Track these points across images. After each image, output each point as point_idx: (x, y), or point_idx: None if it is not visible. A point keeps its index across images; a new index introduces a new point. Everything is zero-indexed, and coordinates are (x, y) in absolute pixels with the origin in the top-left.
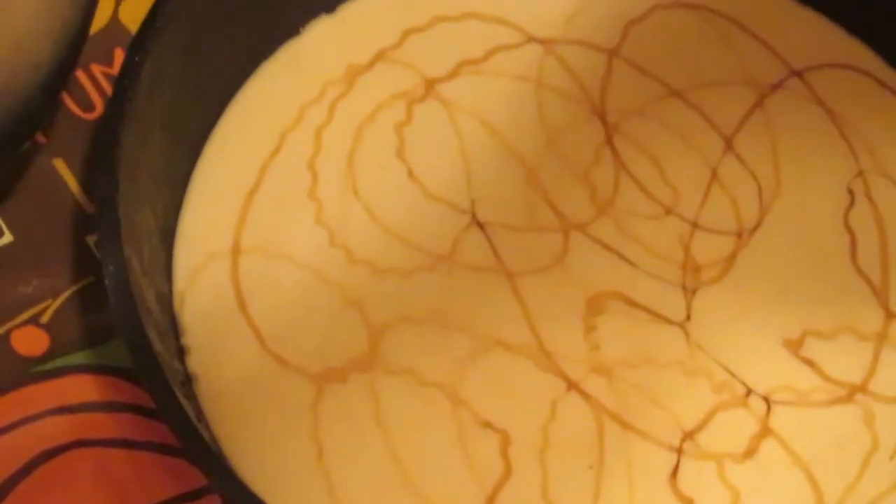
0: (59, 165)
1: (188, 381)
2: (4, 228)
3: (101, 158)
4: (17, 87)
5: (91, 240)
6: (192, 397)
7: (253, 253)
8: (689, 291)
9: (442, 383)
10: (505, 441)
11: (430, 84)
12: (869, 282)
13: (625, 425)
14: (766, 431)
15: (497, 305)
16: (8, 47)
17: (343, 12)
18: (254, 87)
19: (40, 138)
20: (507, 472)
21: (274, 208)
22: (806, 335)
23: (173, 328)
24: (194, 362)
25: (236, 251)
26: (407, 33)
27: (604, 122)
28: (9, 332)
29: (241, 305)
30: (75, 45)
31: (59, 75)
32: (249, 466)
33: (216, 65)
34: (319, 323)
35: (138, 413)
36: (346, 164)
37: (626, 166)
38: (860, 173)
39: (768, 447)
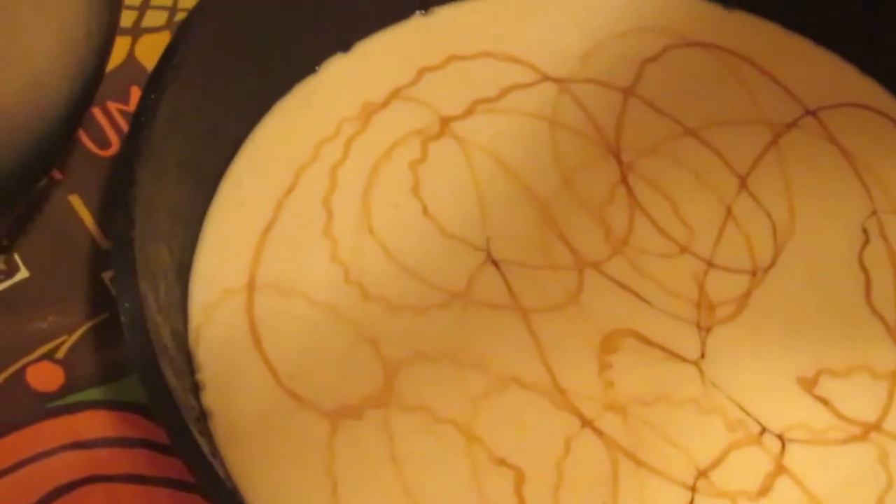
0: (75, 202)
1: (203, 417)
2: (20, 264)
3: (116, 195)
4: (34, 125)
5: (106, 276)
6: (207, 433)
7: (268, 289)
8: (704, 330)
9: (456, 420)
10: (519, 478)
11: (446, 122)
12: (883, 321)
13: (639, 463)
14: (780, 469)
15: (512, 343)
16: (26, 85)
17: (358, 51)
18: (269, 124)
19: (56, 175)
20: None
21: (289, 245)
22: (820, 373)
23: (188, 364)
24: (209, 398)
25: (251, 288)
26: (422, 72)
27: (618, 160)
28: (24, 367)
29: (256, 342)
30: (92, 82)
31: (76, 112)
32: (264, 502)
33: (232, 102)
34: (334, 359)
35: (153, 449)
36: (362, 202)
37: (640, 205)
38: (874, 212)
39: (783, 485)
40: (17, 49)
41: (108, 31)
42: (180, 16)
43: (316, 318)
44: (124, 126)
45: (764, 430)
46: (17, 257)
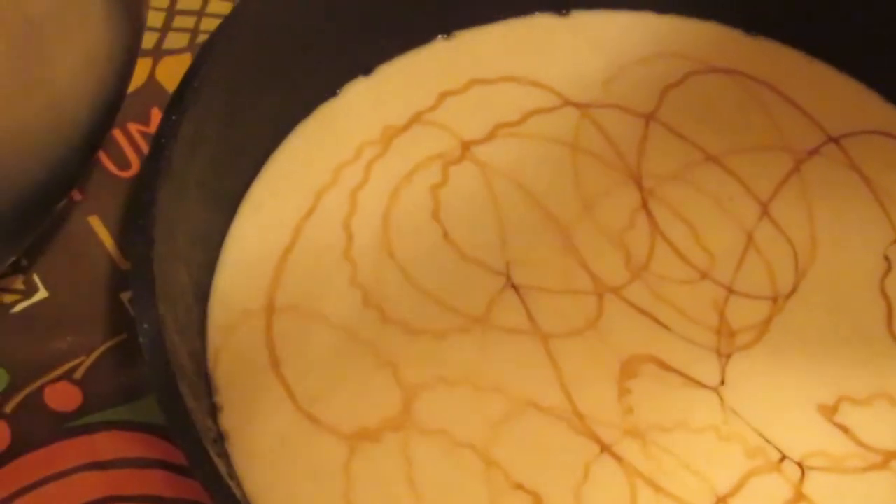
0: (95, 223)
1: (220, 438)
2: (39, 285)
3: (136, 216)
4: (55, 145)
5: (125, 297)
6: (224, 455)
7: (287, 312)
8: (724, 356)
9: (474, 444)
10: (537, 503)
11: (467, 146)
12: None
13: (657, 489)
14: (799, 497)
15: (531, 367)
16: (47, 106)
17: (380, 74)
18: (290, 147)
19: (76, 196)
20: None
21: (308, 268)
22: (841, 401)
23: (206, 386)
24: (227, 420)
25: (270, 310)
26: (443, 96)
27: (639, 186)
28: (42, 387)
29: (275, 364)
30: (113, 104)
31: (97, 134)
32: None
33: (253, 124)
34: (352, 383)
35: (170, 470)
36: (382, 225)
37: (661, 231)
38: None
39: None
40: (41, 70)
41: (130, 54)
42: (202, 38)
43: (335, 340)
44: (144, 147)
45: (783, 457)
46: (36, 277)
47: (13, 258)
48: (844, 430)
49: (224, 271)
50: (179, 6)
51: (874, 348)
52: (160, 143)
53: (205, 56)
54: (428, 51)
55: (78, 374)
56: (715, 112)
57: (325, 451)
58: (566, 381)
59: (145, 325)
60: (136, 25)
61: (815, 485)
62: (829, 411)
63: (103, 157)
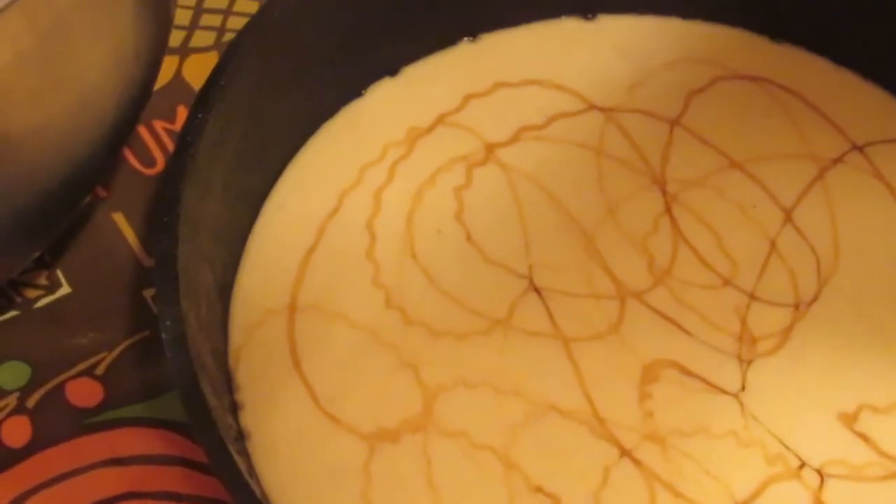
0: (119, 219)
1: (241, 437)
2: (63, 280)
3: (160, 214)
4: (80, 142)
5: (148, 294)
6: (245, 453)
7: (309, 311)
8: (745, 362)
9: (494, 447)
10: None
11: (491, 149)
12: None
13: (677, 494)
14: None
15: (552, 371)
16: (74, 102)
17: (405, 76)
18: (315, 146)
19: (101, 192)
20: None
21: (331, 268)
22: (861, 409)
23: (227, 384)
24: (247, 418)
25: (292, 309)
26: (468, 98)
27: (663, 191)
28: (64, 383)
29: (296, 363)
30: (139, 101)
31: (123, 130)
32: None
33: (278, 124)
34: (373, 383)
35: (190, 467)
36: (405, 226)
37: (684, 236)
38: None
39: None
40: (69, 66)
41: (157, 51)
42: (228, 36)
43: (356, 341)
44: (170, 145)
45: (803, 464)
46: (59, 273)
47: (37, 253)
48: (864, 438)
49: (247, 270)
50: (207, 4)
51: (895, 357)
52: (186, 140)
53: (231, 55)
54: (453, 53)
55: (99, 371)
56: (739, 118)
57: (344, 450)
58: (587, 384)
59: (168, 323)
60: (163, 23)
61: (835, 492)
62: (849, 419)
63: (128, 154)
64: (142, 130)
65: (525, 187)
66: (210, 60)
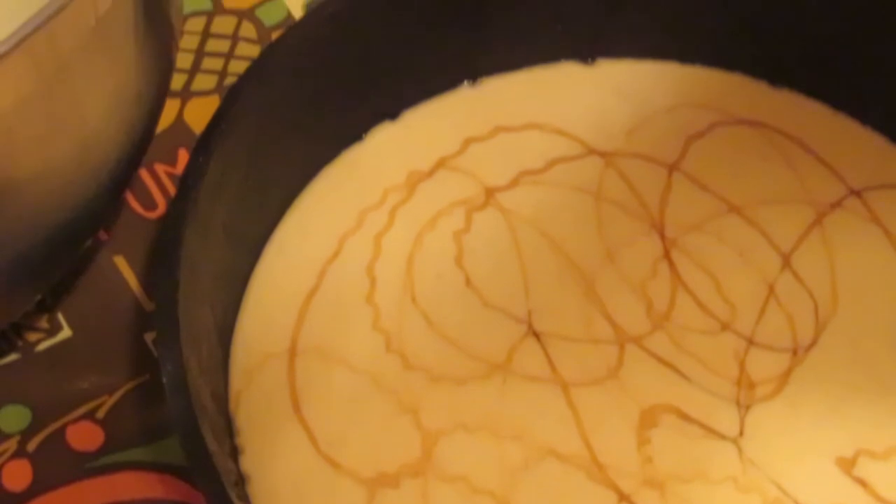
0: (120, 263)
1: (241, 481)
2: (64, 323)
3: (161, 257)
4: (82, 185)
5: (149, 337)
6: (245, 498)
7: (309, 355)
8: (743, 407)
9: (494, 491)
10: None
11: (490, 193)
12: None
13: None
14: None
15: (551, 415)
16: (76, 146)
17: (406, 120)
18: (315, 190)
19: (102, 235)
20: None
21: (331, 312)
22: (859, 454)
23: (228, 427)
24: (248, 462)
25: (293, 353)
26: (468, 142)
27: (662, 236)
28: (64, 426)
29: (296, 407)
30: (141, 144)
31: (124, 174)
32: None
33: (279, 167)
34: (373, 427)
35: None
36: (405, 270)
37: (682, 281)
38: None
39: None
40: (71, 111)
41: (159, 95)
42: (230, 80)
43: (356, 385)
44: (171, 188)
45: None
46: (60, 316)
47: (39, 297)
48: (863, 483)
49: (248, 313)
50: (208, 48)
51: (894, 402)
52: (186, 184)
53: (232, 99)
54: (454, 97)
55: (100, 414)
56: (738, 163)
57: (344, 495)
58: (586, 429)
59: (169, 366)
60: (165, 66)
61: None
62: (847, 464)
63: (130, 198)
64: (143, 174)
65: (524, 231)
66: (211, 104)
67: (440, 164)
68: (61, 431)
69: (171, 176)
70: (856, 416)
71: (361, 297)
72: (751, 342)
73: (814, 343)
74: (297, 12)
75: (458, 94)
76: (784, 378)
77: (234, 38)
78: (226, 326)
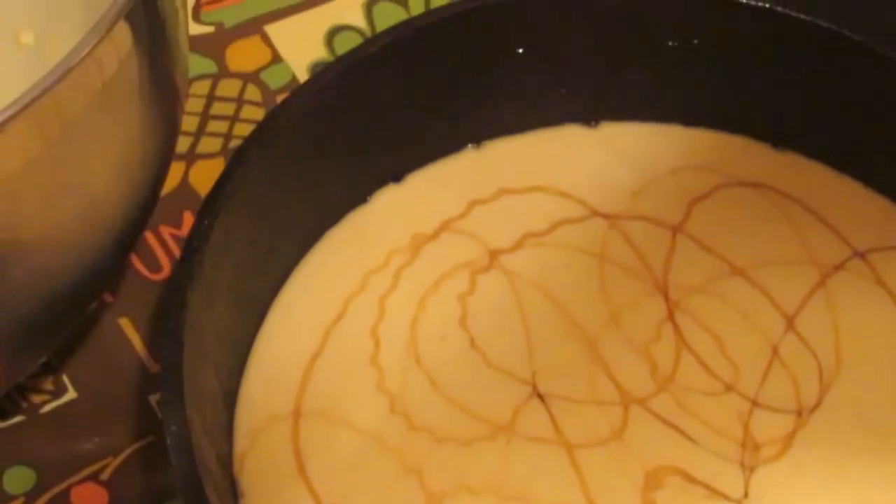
0: (125, 324)
1: None
2: (68, 385)
3: (166, 319)
4: (88, 248)
5: (154, 399)
6: None
7: (313, 417)
8: (748, 469)
9: None
10: None
11: (494, 255)
12: None
13: None
14: None
15: (555, 477)
16: (81, 209)
17: (410, 182)
18: (319, 252)
19: (107, 297)
20: None
21: (336, 374)
22: None
23: (232, 490)
24: None
25: (297, 415)
26: (472, 204)
27: (666, 297)
28: (69, 488)
29: (301, 469)
30: (146, 207)
31: (130, 237)
32: None
33: (283, 230)
34: (377, 489)
35: None
36: (409, 332)
37: (686, 342)
38: None
39: None
40: (77, 175)
41: (164, 159)
42: (235, 143)
43: (361, 446)
44: (176, 250)
45: None
46: (65, 378)
47: (43, 358)
48: None
49: (252, 375)
50: (213, 111)
51: None
52: (192, 247)
53: (237, 161)
54: (458, 159)
55: (105, 476)
56: (742, 225)
57: None
58: (590, 491)
59: (173, 428)
60: (170, 130)
61: None
62: None
63: (135, 260)
64: (148, 236)
65: (528, 293)
66: (216, 167)
67: (444, 226)
68: (66, 493)
69: (176, 238)
70: (861, 478)
71: (365, 358)
72: (755, 403)
73: (818, 405)
74: (302, 76)
75: (463, 157)
76: (788, 440)
77: (240, 101)
78: (230, 388)
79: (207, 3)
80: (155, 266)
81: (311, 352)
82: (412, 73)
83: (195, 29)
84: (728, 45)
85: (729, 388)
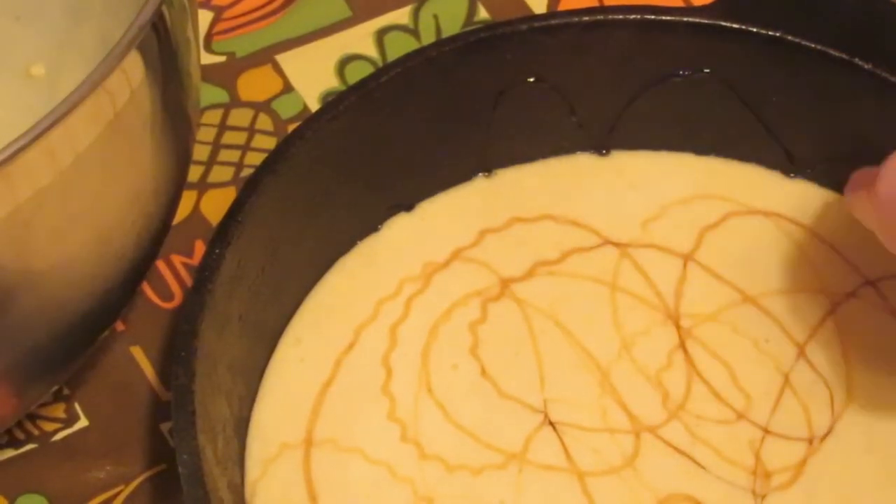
0: (137, 353)
1: None
2: (80, 413)
3: (178, 348)
4: (100, 277)
5: (165, 427)
6: None
7: (325, 446)
8: (759, 497)
9: None
10: None
11: (506, 284)
12: None
13: None
14: None
15: None
16: (93, 238)
17: (421, 211)
18: (331, 281)
19: (119, 326)
20: None
21: (347, 402)
22: None
23: None
24: None
25: (309, 443)
26: (484, 233)
27: (677, 326)
28: None
29: (312, 498)
30: (158, 236)
31: (142, 266)
32: None
33: (295, 258)
34: None
35: None
36: (420, 361)
37: (698, 371)
38: None
39: None
40: (89, 204)
41: (176, 188)
42: (246, 172)
43: (372, 475)
44: (188, 279)
45: None
46: (77, 406)
47: (55, 387)
48: None
49: (264, 404)
50: (225, 140)
51: None
52: (203, 276)
53: (249, 190)
54: (469, 188)
55: None
56: (753, 254)
57: None
58: None
59: (185, 456)
60: (182, 159)
61: None
62: None
63: (147, 288)
64: (160, 265)
65: (540, 322)
66: (228, 196)
67: (455, 255)
68: None
69: (187, 267)
70: None
71: (377, 387)
72: (766, 432)
73: (829, 432)
74: (314, 105)
75: (474, 186)
76: (800, 467)
77: (251, 131)
78: (242, 416)
79: (219, 33)
80: (167, 295)
81: (322, 380)
82: (423, 102)
83: (207, 58)
84: (739, 74)
85: (740, 416)
